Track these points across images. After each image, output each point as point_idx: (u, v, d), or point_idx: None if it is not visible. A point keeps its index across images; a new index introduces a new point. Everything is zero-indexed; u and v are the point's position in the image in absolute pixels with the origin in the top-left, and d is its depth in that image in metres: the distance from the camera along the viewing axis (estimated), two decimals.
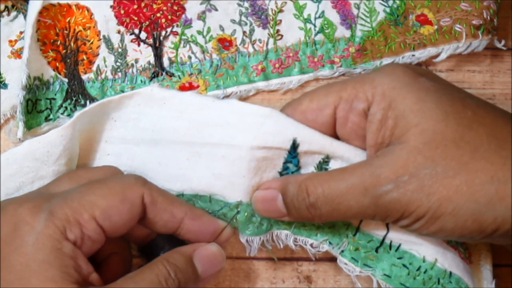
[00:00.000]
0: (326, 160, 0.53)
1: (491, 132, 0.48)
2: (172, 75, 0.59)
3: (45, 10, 0.57)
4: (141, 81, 0.58)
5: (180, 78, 0.59)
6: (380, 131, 0.50)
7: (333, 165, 0.53)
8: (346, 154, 0.52)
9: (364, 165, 0.49)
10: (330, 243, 0.53)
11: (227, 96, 0.58)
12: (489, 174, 0.47)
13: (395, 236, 0.53)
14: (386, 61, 0.59)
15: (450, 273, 0.52)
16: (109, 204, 0.48)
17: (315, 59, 0.59)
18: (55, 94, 0.58)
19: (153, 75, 0.59)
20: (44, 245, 0.46)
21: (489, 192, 0.47)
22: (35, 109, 0.57)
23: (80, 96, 0.58)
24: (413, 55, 0.59)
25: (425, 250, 0.52)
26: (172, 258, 0.50)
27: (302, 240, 0.54)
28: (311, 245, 0.54)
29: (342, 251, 0.53)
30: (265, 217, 0.53)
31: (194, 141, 0.53)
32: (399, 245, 0.53)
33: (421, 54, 0.59)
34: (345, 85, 0.52)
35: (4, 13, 0.59)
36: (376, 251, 0.53)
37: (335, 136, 0.53)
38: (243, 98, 0.59)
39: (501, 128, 0.49)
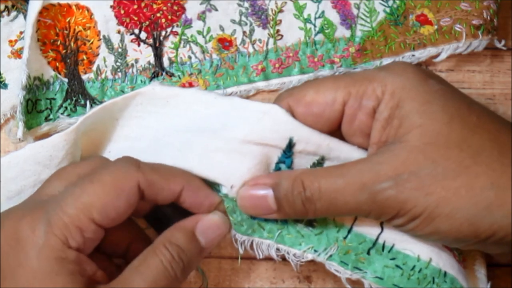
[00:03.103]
0: (320, 161, 0.52)
1: (495, 138, 0.48)
2: (172, 75, 0.59)
3: (45, 10, 0.57)
4: (141, 81, 0.58)
5: (180, 78, 0.59)
6: (385, 129, 0.50)
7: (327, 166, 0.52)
8: (342, 155, 0.52)
9: (363, 162, 0.49)
10: (315, 250, 0.52)
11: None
12: (490, 179, 0.47)
13: (389, 236, 0.52)
14: (386, 61, 0.59)
15: (445, 272, 0.52)
16: (106, 203, 0.47)
17: (315, 59, 0.59)
18: (55, 94, 0.58)
19: (153, 75, 0.59)
20: (48, 257, 0.46)
21: (488, 198, 0.47)
22: (35, 109, 0.57)
23: (80, 96, 0.58)
24: (413, 55, 0.59)
25: (419, 249, 0.52)
26: (174, 238, 0.49)
27: (285, 250, 0.52)
28: (294, 255, 0.52)
29: (330, 255, 0.52)
30: (246, 219, 0.52)
31: (189, 132, 0.53)
32: (393, 246, 0.52)
33: (421, 54, 0.59)
34: (353, 80, 0.51)
35: (4, 13, 0.59)
36: (368, 253, 0.52)
37: (338, 131, 0.52)
38: (243, 98, 0.59)
39: (505, 135, 0.49)
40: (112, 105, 0.54)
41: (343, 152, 0.52)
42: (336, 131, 0.52)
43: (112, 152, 0.55)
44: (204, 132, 0.52)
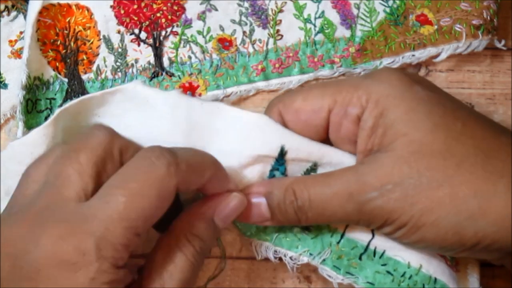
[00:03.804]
0: (313, 167, 0.52)
1: (479, 145, 0.48)
2: (172, 75, 0.59)
3: (45, 10, 0.57)
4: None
5: (180, 78, 0.59)
6: (370, 138, 0.50)
7: (320, 172, 0.52)
8: (334, 160, 0.52)
9: (349, 171, 0.49)
10: (310, 254, 0.53)
11: (227, 96, 0.58)
12: (473, 188, 0.47)
13: (380, 243, 0.53)
14: (386, 61, 0.59)
15: (435, 279, 0.52)
16: (150, 215, 0.45)
17: (315, 59, 0.59)
18: (55, 94, 0.58)
19: (153, 75, 0.59)
20: (101, 283, 0.43)
21: (472, 206, 0.47)
22: (35, 109, 0.57)
23: (80, 96, 0.58)
24: (413, 55, 0.59)
25: (410, 256, 0.52)
26: (194, 229, 0.48)
27: (282, 253, 0.53)
28: (291, 257, 0.53)
29: (324, 260, 0.53)
30: (245, 224, 0.53)
31: (180, 144, 0.51)
32: (383, 252, 0.52)
33: (421, 54, 0.59)
34: (340, 88, 0.51)
35: (4, 13, 0.59)
36: (360, 258, 0.53)
37: (327, 139, 0.52)
38: (243, 98, 0.59)
39: (490, 142, 0.49)
40: (90, 99, 0.51)
41: (334, 157, 0.52)
42: (326, 139, 0.53)
43: None
44: (192, 142, 0.51)
